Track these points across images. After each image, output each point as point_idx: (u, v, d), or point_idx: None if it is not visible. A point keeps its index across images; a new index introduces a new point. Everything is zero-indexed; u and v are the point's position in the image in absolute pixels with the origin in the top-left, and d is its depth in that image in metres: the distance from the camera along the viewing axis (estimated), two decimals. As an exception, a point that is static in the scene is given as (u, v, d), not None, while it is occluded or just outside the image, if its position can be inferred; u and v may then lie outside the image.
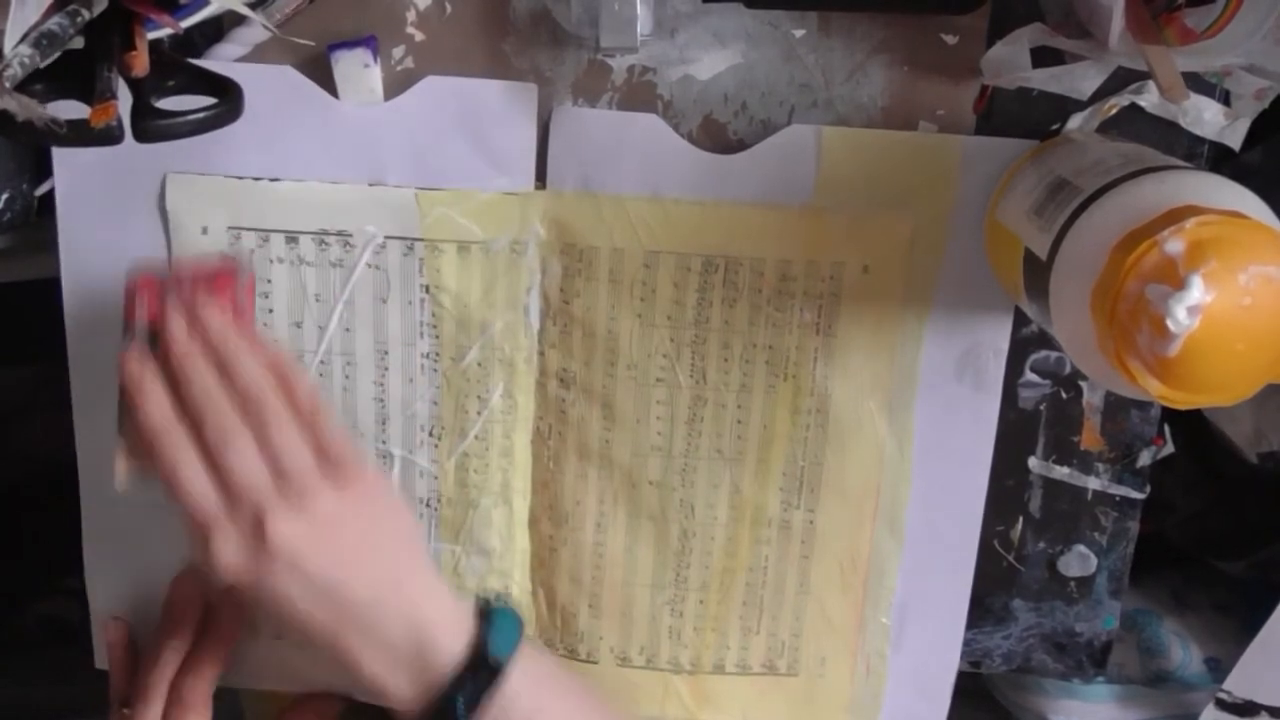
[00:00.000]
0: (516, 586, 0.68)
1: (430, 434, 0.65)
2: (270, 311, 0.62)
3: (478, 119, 0.60)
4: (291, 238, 0.61)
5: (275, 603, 0.51)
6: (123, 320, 0.55)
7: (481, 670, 0.53)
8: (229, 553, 0.50)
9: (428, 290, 0.62)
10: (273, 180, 0.60)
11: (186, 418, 0.52)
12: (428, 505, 0.66)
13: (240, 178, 0.60)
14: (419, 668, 0.53)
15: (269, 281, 0.62)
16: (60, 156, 0.60)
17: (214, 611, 0.64)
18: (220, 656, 0.63)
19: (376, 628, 0.52)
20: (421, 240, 0.61)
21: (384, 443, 0.65)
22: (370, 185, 0.61)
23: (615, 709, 0.59)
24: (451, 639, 0.53)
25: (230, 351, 0.53)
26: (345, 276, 0.62)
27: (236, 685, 0.70)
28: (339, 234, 0.61)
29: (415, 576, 0.54)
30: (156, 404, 0.52)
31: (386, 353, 0.63)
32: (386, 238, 0.61)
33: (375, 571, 0.52)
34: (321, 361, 0.63)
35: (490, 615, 0.55)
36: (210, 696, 0.63)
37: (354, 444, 0.55)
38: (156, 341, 0.54)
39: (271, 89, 0.58)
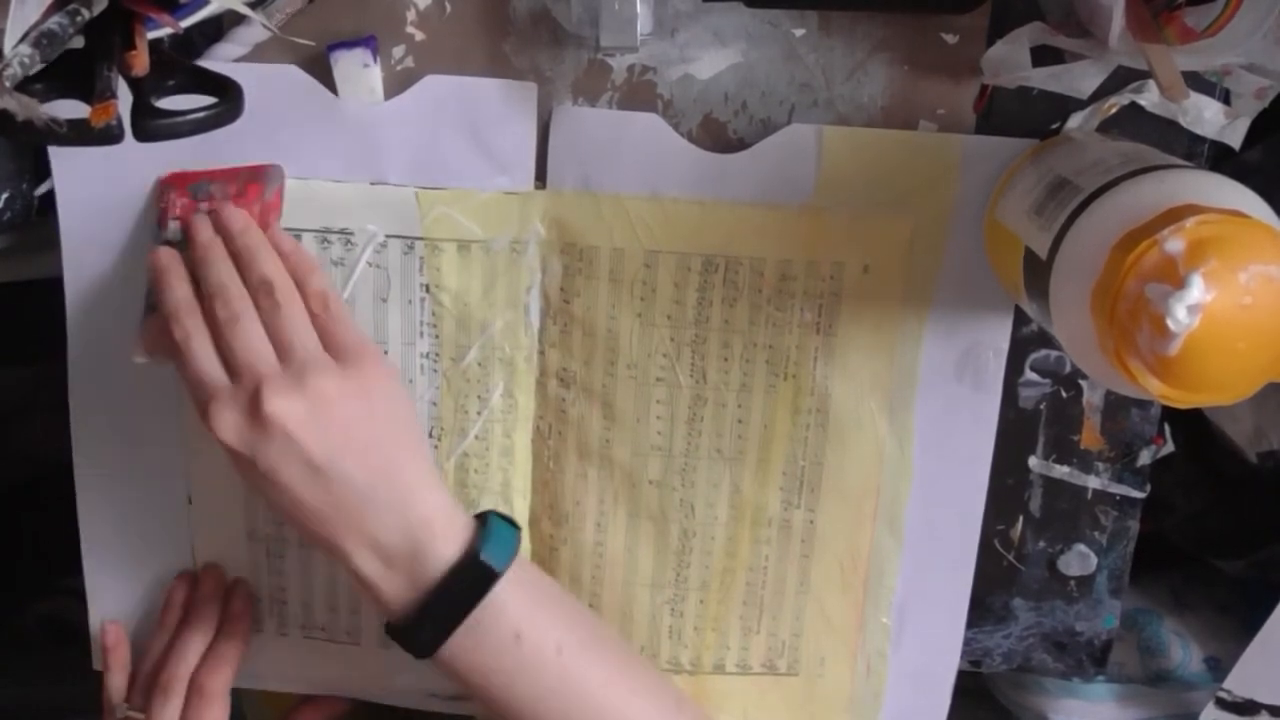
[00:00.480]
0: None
1: (430, 434, 0.65)
2: None
3: (477, 118, 0.60)
4: (294, 236, 0.61)
5: (270, 480, 0.52)
6: (155, 216, 0.59)
7: (473, 576, 0.53)
8: (227, 423, 0.51)
9: (428, 289, 0.62)
10: None
11: (203, 302, 0.54)
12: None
13: None
14: (410, 567, 0.53)
15: None
16: (59, 156, 0.60)
17: (230, 606, 0.65)
18: (240, 649, 0.64)
19: (369, 518, 0.52)
20: (422, 239, 0.61)
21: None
22: (371, 184, 0.61)
23: (609, 629, 0.58)
24: (445, 541, 0.53)
25: (249, 246, 0.55)
26: (346, 275, 0.62)
27: (237, 685, 0.70)
28: (340, 232, 0.61)
29: (412, 468, 0.54)
30: (177, 288, 0.54)
31: (387, 351, 0.63)
32: (387, 236, 0.61)
33: (370, 458, 0.52)
34: None
35: (488, 524, 0.55)
36: (230, 688, 0.64)
37: (364, 334, 0.56)
38: (185, 239, 0.57)
39: (272, 88, 0.58)
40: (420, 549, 0.53)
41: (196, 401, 0.53)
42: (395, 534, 0.53)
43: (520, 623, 0.54)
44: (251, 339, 0.53)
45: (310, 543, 0.53)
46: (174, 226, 0.58)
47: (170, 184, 0.59)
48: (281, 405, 0.51)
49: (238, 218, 0.56)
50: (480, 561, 0.53)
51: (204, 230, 0.56)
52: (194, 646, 0.63)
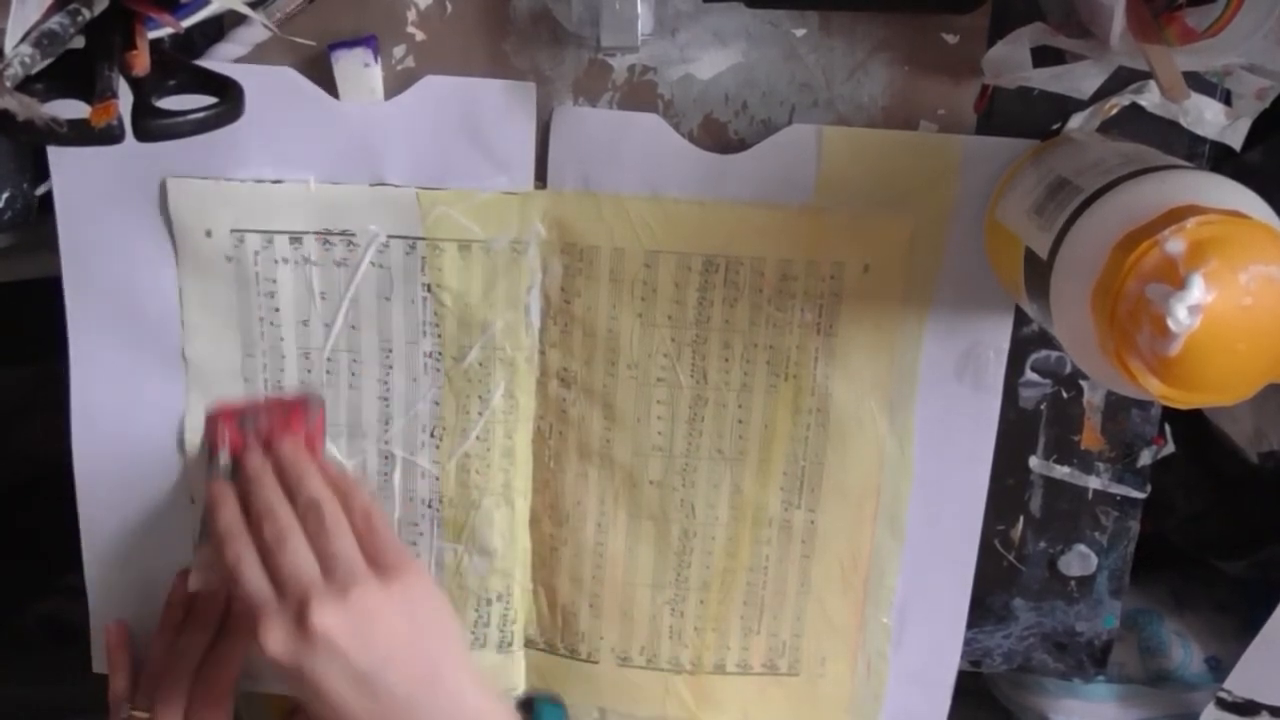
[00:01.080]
0: (518, 586, 0.68)
1: (432, 435, 0.65)
2: (277, 310, 0.62)
3: (477, 118, 0.60)
4: (295, 238, 0.61)
5: (316, 689, 0.52)
6: (206, 448, 0.63)
7: None
8: (275, 637, 0.53)
9: (429, 289, 0.62)
10: (275, 182, 0.60)
11: (253, 526, 0.57)
12: (429, 506, 0.66)
13: (242, 180, 0.60)
14: None
15: (274, 281, 0.62)
16: (58, 156, 0.60)
17: (234, 607, 0.65)
18: (243, 647, 0.64)
19: None
20: (423, 239, 0.61)
21: (387, 443, 0.65)
22: (371, 185, 0.61)
23: None
24: None
25: (298, 471, 0.59)
26: (349, 275, 0.62)
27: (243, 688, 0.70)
28: (342, 234, 0.61)
29: (457, 676, 0.55)
30: (228, 513, 0.58)
31: (390, 351, 0.63)
32: (389, 237, 0.61)
33: (415, 667, 0.53)
34: (329, 359, 0.63)
35: (534, 711, 0.56)
36: (235, 687, 0.64)
37: (404, 547, 0.58)
38: (236, 469, 0.61)
39: (272, 90, 0.58)
40: None
41: (248, 621, 0.54)
42: None
43: None
44: (298, 556, 0.54)
45: None
46: (225, 457, 0.62)
47: (220, 418, 0.63)
48: (326, 618, 0.52)
49: (288, 446, 0.60)
50: None
51: (254, 459, 0.60)
52: (197, 645, 0.64)
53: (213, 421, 0.63)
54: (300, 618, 0.52)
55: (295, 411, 0.62)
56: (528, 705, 0.56)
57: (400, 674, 0.53)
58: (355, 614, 0.52)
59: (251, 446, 0.61)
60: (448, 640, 0.56)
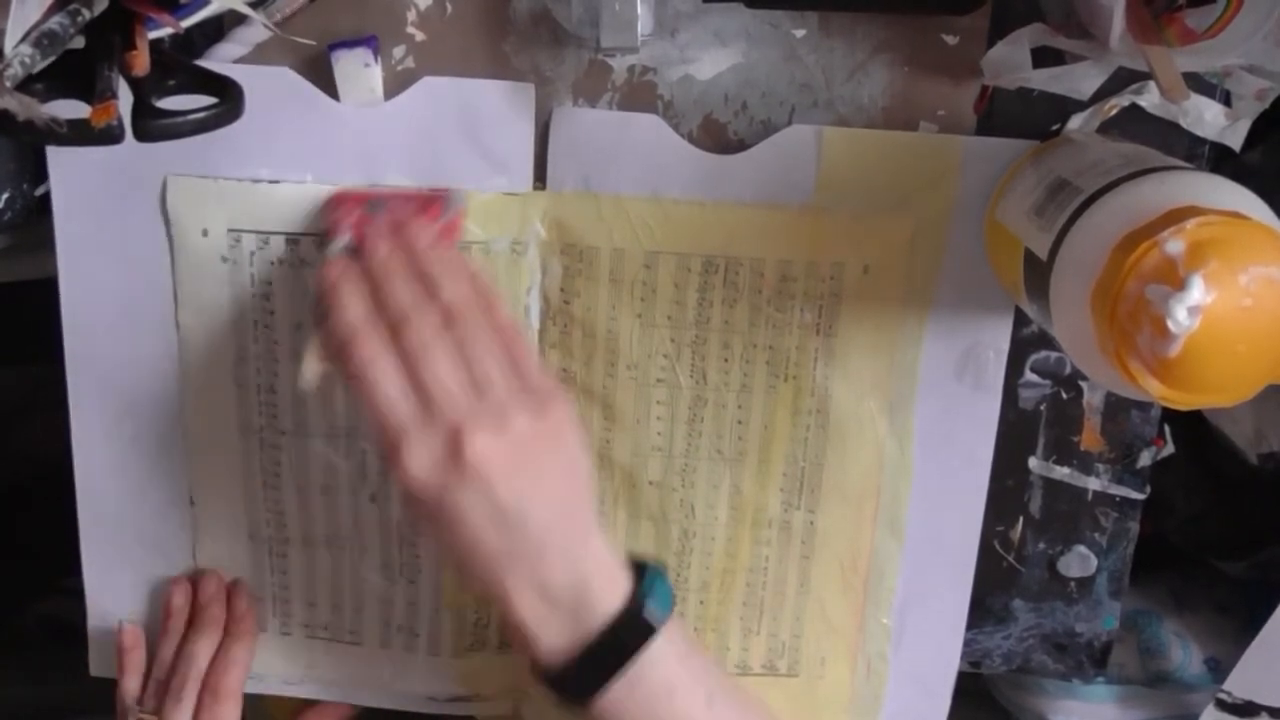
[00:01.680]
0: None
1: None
2: (271, 314, 0.62)
3: (476, 119, 0.60)
4: (292, 240, 0.61)
5: (453, 521, 0.49)
6: (324, 231, 0.55)
7: (633, 630, 0.52)
8: (420, 463, 0.48)
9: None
10: (273, 182, 0.60)
11: (384, 324, 0.51)
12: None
13: (240, 180, 0.60)
14: (572, 616, 0.51)
15: (269, 284, 0.62)
16: (57, 156, 0.60)
17: (234, 606, 0.65)
18: (249, 649, 0.64)
19: (542, 564, 0.51)
20: (422, 240, 0.61)
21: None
22: (370, 187, 0.61)
23: (747, 696, 0.57)
24: (609, 592, 0.52)
25: (435, 267, 0.52)
26: None
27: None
28: (340, 234, 0.61)
29: (583, 517, 0.52)
30: (354, 305, 0.51)
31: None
32: (387, 238, 0.61)
33: (552, 506, 0.50)
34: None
35: (646, 576, 0.54)
36: (243, 688, 0.64)
37: (549, 372, 0.53)
38: (356, 256, 0.53)
39: (270, 91, 0.58)
40: (585, 597, 0.51)
41: (383, 439, 0.50)
42: (564, 581, 0.51)
43: (673, 677, 0.53)
44: (446, 371, 0.50)
45: (466, 582, 0.50)
46: (346, 239, 0.54)
47: (342, 199, 0.57)
48: (484, 448, 0.48)
49: (424, 234, 0.53)
50: (642, 616, 0.52)
51: (383, 245, 0.53)
52: (203, 649, 0.63)
53: (333, 203, 0.56)
54: (454, 444, 0.48)
55: (431, 204, 0.55)
56: (638, 568, 0.54)
57: (540, 509, 0.50)
58: (512, 444, 0.49)
59: (379, 229, 0.53)
60: (584, 478, 0.53)
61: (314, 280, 0.54)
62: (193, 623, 0.65)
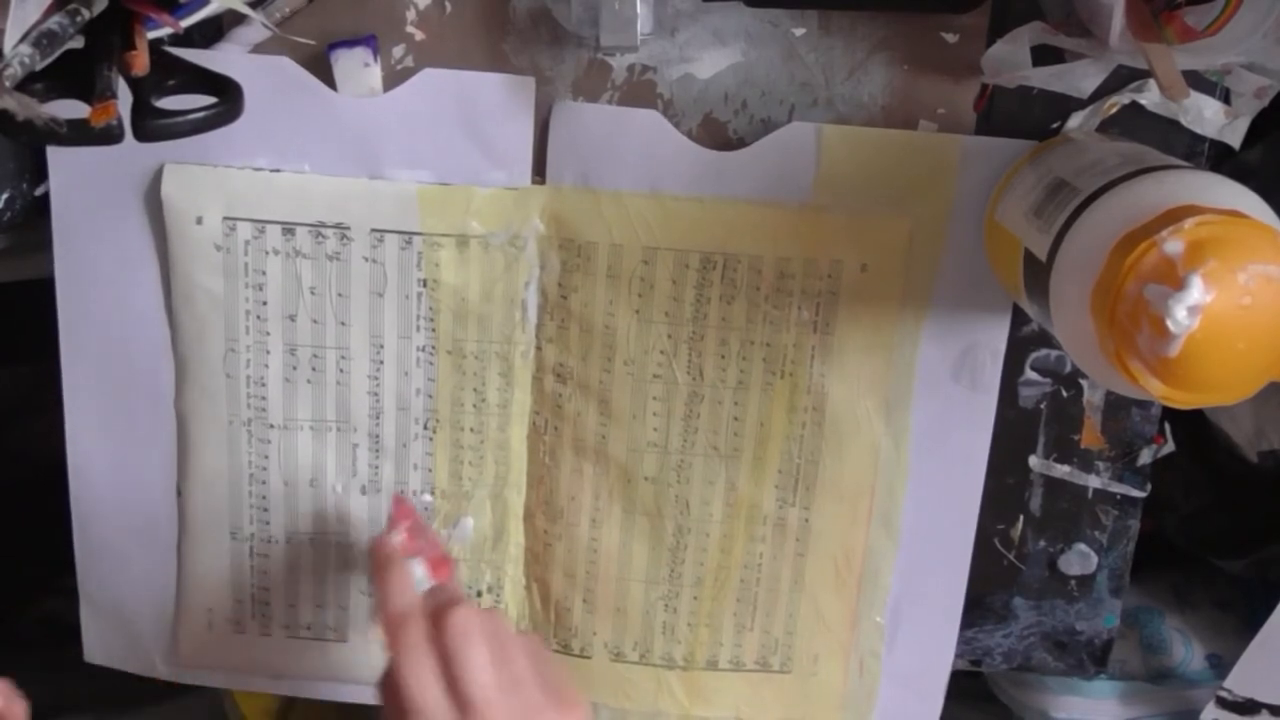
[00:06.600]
0: (510, 581, 0.68)
1: (425, 427, 0.65)
2: (264, 304, 0.62)
3: (475, 113, 0.60)
4: (288, 229, 0.61)
5: None
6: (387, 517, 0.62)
7: None
8: None
9: (425, 284, 0.62)
10: (273, 171, 0.60)
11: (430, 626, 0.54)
12: (420, 496, 0.66)
13: (239, 168, 0.60)
14: None
15: (263, 274, 0.62)
16: (56, 156, 0.60)
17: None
18: None
19: None
20: (420, 234, 0.61)
21: (378, 436, 0.65)
22: (369, 178, 0.61)
23: None
24: None
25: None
26: (341, 270, 0.62)
27: (218, 685, 0.70)
28: (336, 226, 0.61)
29: None
30: (416, 627, 0.54)
31: (382, 346, 0.63)
32: (384, 231, 0.61)
33: None
34: (314, 355, 0.63)
35: None
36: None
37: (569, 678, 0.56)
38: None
39: (270, 81, 0.58)
40: None
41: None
42: None
43: None
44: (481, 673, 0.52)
45: None
46: (400, 537, 0.60)
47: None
48: None
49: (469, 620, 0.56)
50: None
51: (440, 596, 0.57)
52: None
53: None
54: None
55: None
56: None
57: None
58: None
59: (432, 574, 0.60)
60: None
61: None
62: None
